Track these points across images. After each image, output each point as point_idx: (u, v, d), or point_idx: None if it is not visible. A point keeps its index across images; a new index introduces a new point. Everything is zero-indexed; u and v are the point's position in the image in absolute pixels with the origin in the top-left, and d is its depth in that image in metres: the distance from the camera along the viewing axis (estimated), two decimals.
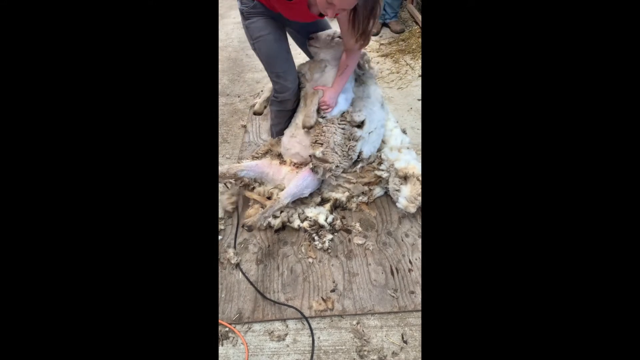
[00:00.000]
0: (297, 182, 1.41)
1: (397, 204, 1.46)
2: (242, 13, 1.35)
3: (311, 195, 1.50)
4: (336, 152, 1.44)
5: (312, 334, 1.12)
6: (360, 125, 1.49)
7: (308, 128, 1.45)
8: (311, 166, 1.42)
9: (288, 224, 1.45)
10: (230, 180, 1.51)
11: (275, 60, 1.39)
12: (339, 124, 1.47)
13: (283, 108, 1.55)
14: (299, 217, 1.46)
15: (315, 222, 1.43)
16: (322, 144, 1.42)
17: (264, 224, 1.42)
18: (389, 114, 1.65)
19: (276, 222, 1.43)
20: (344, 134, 1.47)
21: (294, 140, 1.50)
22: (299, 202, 1.49)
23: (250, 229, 1.34)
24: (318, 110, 1.46)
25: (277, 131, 1.67)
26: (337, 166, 1.45)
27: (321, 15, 1.31)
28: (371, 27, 1.19)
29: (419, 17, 2.99)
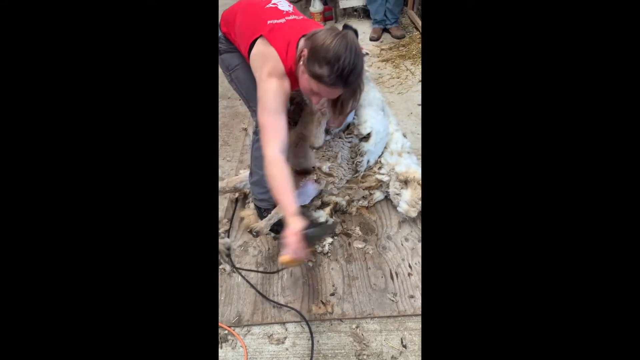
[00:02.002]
0: (301, 190, 1.42)
1: (398, 208, 1.46)
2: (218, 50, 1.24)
3: (309, 205, 1.51)
4: (342, 167, 1.45)
5: (312, 337, 1.12)
6: (366, 137, 1.48)
7: (316, 149, 1.44)
8: (315, 177, 1.43)
9: None
10: (230, 192, 1.53)
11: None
12: (346, 137, 1.47)
13: None
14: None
15: None
16: (329, 159, 1.43)
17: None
18: (390, 116, 1.64)
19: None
20: (350, 147, 1.47)
21: (298, 151, 1.51)
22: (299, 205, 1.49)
23: (257, 234, 1.35)
24: (326, 131, 1.43)
25: (260, 193, 1.38)
26: (340, 179, 1.47)
27: None
28: (350, 109, 1.17)
29: (419, 22, 3.01)
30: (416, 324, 1.15)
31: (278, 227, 1.39)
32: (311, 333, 1.13)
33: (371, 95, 1.57)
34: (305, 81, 1.01)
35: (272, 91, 1.03)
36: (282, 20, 1.09)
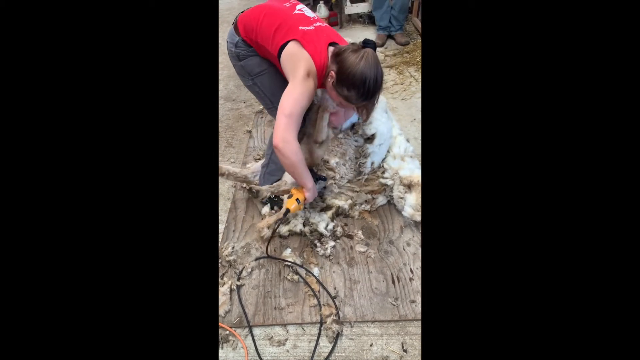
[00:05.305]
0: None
1: (402, 212, 1.46)
2: (236, 56, 1.32)
3: (312, 204, 1.53)
4: (345, 166, 1.48)
5: (318, 340, 1.12)
6: (370, 138, 1.51)
7: (319, 143, 1.46)
8: (315, 169, 1.44)
9: (293, 228, 1.47)
10: (239, 181, 1.57)
11: (282, 90, 1.28)
12: (353, 136, 1.50)
13: None
14: (302, 220, 1.47)
15: (315, 230, 1.44)
16: (337, 154, 1.46)
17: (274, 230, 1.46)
18: (392, 120, 1.66)
19: (284, 230, 1.46)
20: (356, 147, 1.50)
21: (305, 148, 1.52)
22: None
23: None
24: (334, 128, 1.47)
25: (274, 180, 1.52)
26: (341, 177, 1.49)
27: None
28: (373, 108, 1.28)
29: None
30: (417, 329, 1.15)
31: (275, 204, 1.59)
32: (319, 335, 1.13)
33: None
34: (335, 96, 1.18)
35: (308, 91, 1.16)
36: (312, 27, 1.19)
